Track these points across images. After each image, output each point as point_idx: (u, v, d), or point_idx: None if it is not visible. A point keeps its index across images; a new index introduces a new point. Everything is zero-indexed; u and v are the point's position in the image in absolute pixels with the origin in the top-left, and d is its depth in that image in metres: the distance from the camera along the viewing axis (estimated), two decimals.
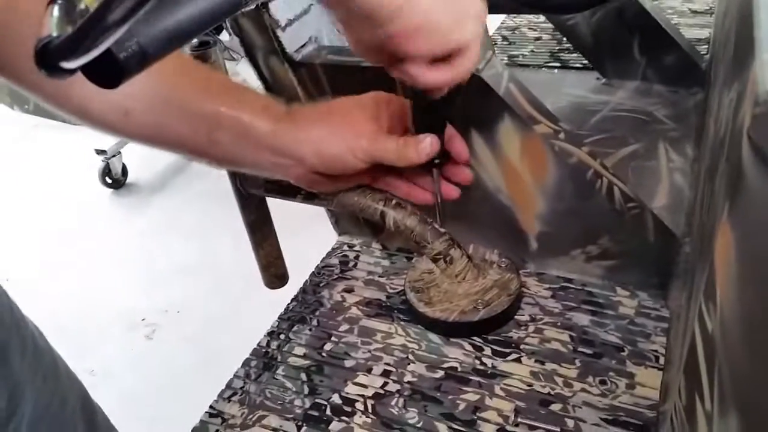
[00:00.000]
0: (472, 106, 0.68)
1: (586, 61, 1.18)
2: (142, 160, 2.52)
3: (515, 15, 1.43)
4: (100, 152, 2.37)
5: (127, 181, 2.53)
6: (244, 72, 1.69)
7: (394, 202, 0.70)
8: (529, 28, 1.38)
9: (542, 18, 1.38)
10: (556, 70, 1.22)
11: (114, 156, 2.41)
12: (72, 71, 0.34)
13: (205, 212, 2.26)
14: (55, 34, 0.33)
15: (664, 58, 1.06)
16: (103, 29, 0.31)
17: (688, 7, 1.36)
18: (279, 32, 0.72)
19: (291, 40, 0.73)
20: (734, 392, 0.35)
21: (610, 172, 0.71)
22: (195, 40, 0.71)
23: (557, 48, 1.28)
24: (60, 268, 2.11)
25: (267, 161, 0.53)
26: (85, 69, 0.40)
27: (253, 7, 0.71)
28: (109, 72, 0.40)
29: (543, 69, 1.22)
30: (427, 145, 0.51)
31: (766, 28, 0.40)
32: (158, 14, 0.42)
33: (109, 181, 2.47)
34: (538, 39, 1.34)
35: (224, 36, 1.98)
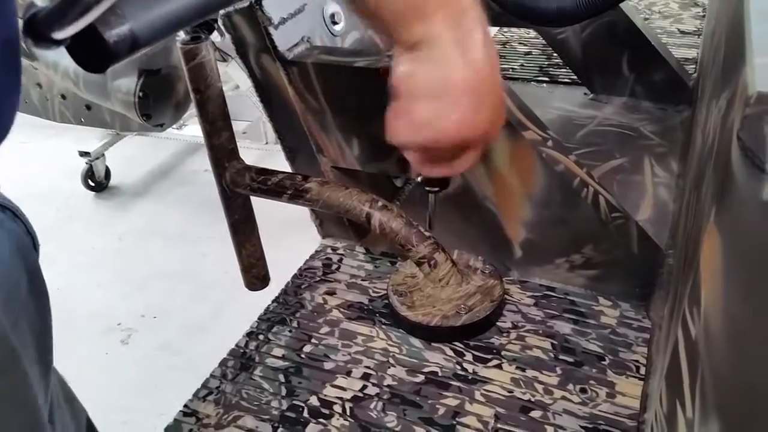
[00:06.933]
0: None
1: (574, 77, 1.19)
2: (125, 163, 2.49)
3: (507, 29, 1.44)
4: (83, 154, 2.34)
5: (110, 184, 2.50)
6: (234, 73, 1.69)
7: (380, 203, 0.70)
8: (520, 43, 1.40)
9: (533, 33, 1.40)
10: (545, 85, 1.23)
11: (97, 158, 2.38)
12: (60, 42, 0.33)
13: (187, 218, 2.24)
14: (42, 4, 0.33)
15: (653, 74, 1.07)
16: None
17: (677, 27, 1.38)
18: (271, 30, 0.72)
19: (283, 39, 0.73)
20: (716, 398, 0.34)
21: (596, 181, 0.71)
22: (186, 35, 0.70)
23: (546, 63, 1.29)
24: None
25: None
26: (74, 51, 0.39)
27: (246, 4, 0.70)
28: (98, 55, 0.40)
29: (532, 83, 1.23)
30: None
31: (756, 34, 0.41)
32: (151, 2, 0.41)
33: (92, 183, 2.43)
34: (528, 54, 1.35)
35: (215, 37, 1.97)
